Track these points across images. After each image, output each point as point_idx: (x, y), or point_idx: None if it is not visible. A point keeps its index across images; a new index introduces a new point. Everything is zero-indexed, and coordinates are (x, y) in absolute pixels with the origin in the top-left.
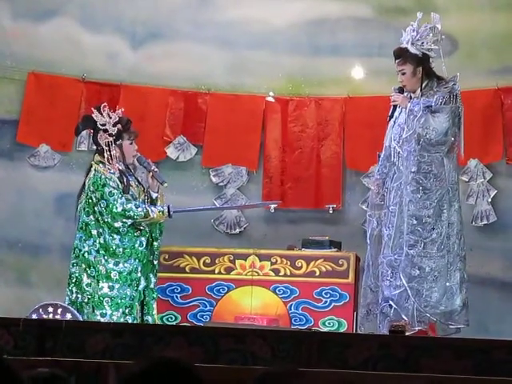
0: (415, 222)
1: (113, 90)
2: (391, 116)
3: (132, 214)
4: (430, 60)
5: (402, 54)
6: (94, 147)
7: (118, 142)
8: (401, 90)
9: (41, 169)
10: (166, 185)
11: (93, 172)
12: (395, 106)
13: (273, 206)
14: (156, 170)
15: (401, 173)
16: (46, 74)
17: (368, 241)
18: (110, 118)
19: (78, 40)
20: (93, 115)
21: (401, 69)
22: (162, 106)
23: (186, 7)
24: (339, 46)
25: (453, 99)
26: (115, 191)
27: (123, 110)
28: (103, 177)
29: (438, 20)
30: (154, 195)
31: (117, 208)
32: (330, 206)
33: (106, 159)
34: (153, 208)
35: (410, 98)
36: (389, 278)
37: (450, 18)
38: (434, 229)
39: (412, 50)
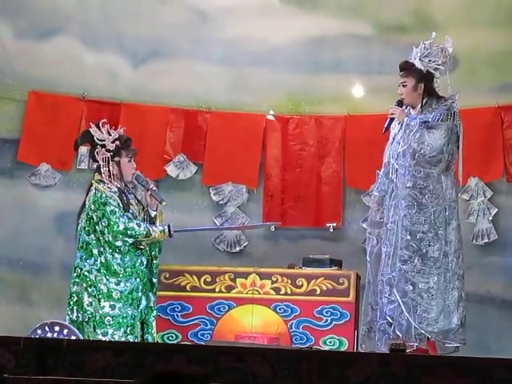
0: (409, 237)
1: (113, 109)
2: (386, 128)
3: (133, 233)
4: (434, 79)
5: (406, 67)
6: (95, 166)
7: (116, 159)
8: (399, 104)
9: (41, 188)
10: (164, 203)
11: (93, 191)
12: (392, 119)
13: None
14: (154, 188)
15: (398, 189)
16: (47, 93)
17: (368, 258)
18: (110, 134)
19: (79, 58)
20: (91, 130)
21: (403, 81)
22: (162, 124)
23: (187, 26)
24: (339, 64)
25: (450, 117)
26: (117, 210)
27: (125, 128)
28: (104, 195)
29: (450, 44)
30: (153, 213)
31: (118, 226)
32: (331, 224)
33: (103, 175)
34: (154, 227)
35: (410, 113)
36: (387, 296)
37: (449, 35)
38: (429, 245)
39: (417, 64)
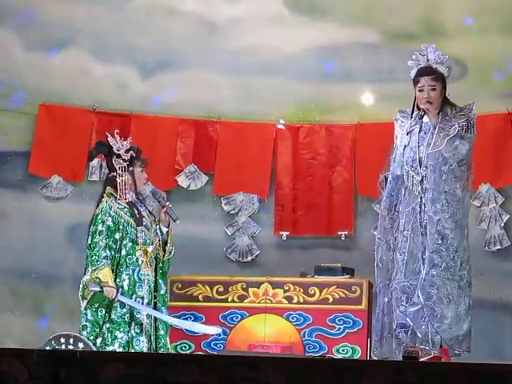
0: (440, 241)
1: (123, 120)
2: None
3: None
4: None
5: (435, 71)
6: (104, 178)
7: (130, 169)
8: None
9: (53, 200)
10: (178, 221)
11: (104, 204)
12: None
13: (285, 234)
14: (170, 205)
15: (414, 197)
16: (57, 106)
17: (380, 264)
18: (122, 145)
19: (89, 70)
20: (108, 139)
21: (432, 84)
22: (173, 134)
23: (196, 36)
24: (349, 73)
25: (471, 128)
26: (104, 232)
27: (131, 140)
28: (110, 211)
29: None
30: (165, 230)
31: (93, 250)
32: (343, 232)
33: (119, 185)
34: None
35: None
36: (404, 304)
37: (458, 42)
38: (456, 251)
39: (440, 69)
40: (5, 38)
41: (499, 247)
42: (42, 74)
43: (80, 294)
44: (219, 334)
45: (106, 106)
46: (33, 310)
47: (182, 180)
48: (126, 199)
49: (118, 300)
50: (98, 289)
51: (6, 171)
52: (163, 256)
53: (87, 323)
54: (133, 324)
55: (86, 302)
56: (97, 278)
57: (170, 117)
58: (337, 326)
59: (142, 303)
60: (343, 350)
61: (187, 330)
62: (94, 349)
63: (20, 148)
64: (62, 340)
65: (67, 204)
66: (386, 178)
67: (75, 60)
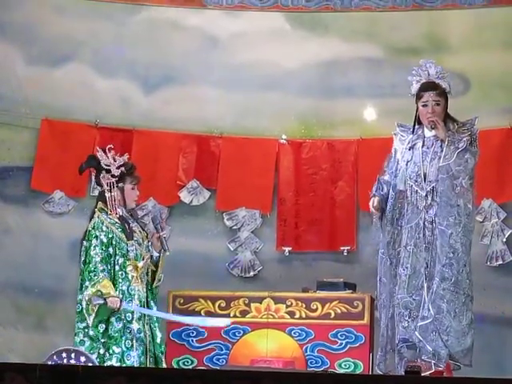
0: (451, 255)
1: (126, 135)
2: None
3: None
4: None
5: (437, 86)
6: (96, 193)
7: (119, 185)
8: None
9: (55, 215)
10: (168, 253)
11: (96, 219)
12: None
13: (287, 249)
14: (165, 235)
15: (418, 212)
16: (60, 121)
17: (383, 279)
18: (115, 161)
19: (91, 85)
20: (97, 154)
21: (437, 99)
22: (175, 150)
23: (199, 51)
24: (351, 87)
25: (473, 142)
26: (98, 247)
27: (128, 156)
28: (103, 225)
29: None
30: (155, 254)
31: (89, 263)
32: (345, 247)
33: (107, 200)
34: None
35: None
36: (407, 319)
37: (462, 57)
38: (465, 265)
39: (443, 84)
40: (7, 53)
41: (501, 262)
42: (44, 89)
43: (84, 310)
44: (221, 348)
45: (109, 121)
46: (36, 325)
47: (185, 195)
48: (116, 214)
49: (124, 309)
50: (101, 301)
51: (8, 186)
52: (153, 281)
53: (85, 338)
54: (123, 339)
55: (92, 317)
56: (98, 291)
57: (173, 132)
58: (339, 341)
59: (132, 318)
60: (345, 365)
61: (190, 345)
62: (96, 363)
63: (22, 163)
64: (65, 355)
65: (69, 219)
66: (380, 182)
67: (77, 75)
